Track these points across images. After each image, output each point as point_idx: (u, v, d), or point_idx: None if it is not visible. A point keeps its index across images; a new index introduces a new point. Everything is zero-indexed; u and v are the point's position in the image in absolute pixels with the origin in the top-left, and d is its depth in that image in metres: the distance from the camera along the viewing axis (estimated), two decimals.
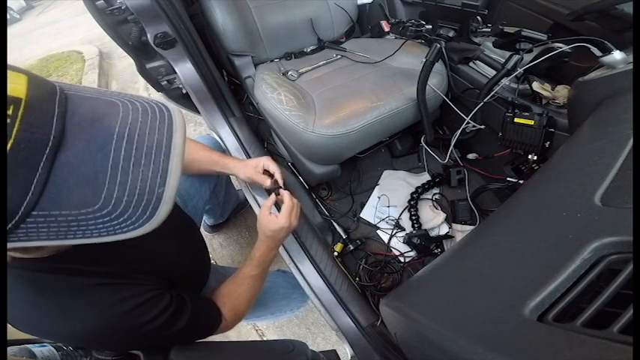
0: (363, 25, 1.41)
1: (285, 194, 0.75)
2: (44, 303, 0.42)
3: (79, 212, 0.26)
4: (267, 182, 0.81)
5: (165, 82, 1.07)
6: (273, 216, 0.71)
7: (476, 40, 1.00)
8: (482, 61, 0.92)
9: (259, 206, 0.92)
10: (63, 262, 0.43)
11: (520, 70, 0.80)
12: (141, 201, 0.27)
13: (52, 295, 0.42)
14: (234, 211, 1.45)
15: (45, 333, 0.44)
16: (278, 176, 0.81)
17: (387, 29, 1.23)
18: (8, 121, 0.22)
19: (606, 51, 0.64)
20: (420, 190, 1.11)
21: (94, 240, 0.28)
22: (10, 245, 0.26)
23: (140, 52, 1.02)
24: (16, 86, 0.23)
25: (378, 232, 1.08)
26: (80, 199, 0.26)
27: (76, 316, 0.43)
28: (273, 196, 0.78)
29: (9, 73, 0.24)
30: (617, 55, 0.63)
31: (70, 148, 0.25)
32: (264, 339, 1.25)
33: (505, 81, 0.85)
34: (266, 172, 0.83)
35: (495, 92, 0.86)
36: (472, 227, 1.02)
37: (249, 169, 0.82)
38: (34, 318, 0.42)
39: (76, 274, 0.44)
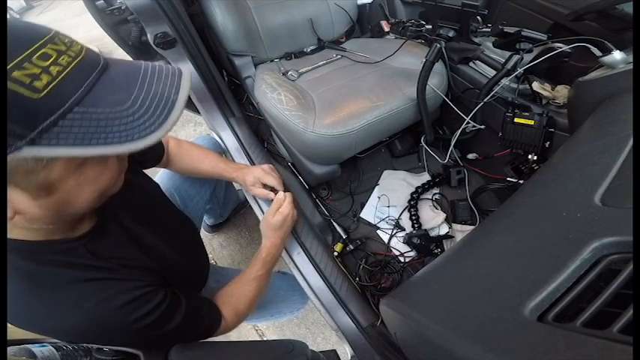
0: (363, 25, 1.41)
1: (279, 194, 0.81)
2: (37, 296, 0.42)
3: (111, 110, 0.34)
4: (271, 196, 0.82)
5: None
6: (273, 212, 0.77)
7: (476, 40, 1.00)
8: (482, 61, 0.92)
9: (259, 207, 0.92)
10: (59, 253, 0.43)
11: (520, 70, 0.80)
12: (159, 103, 0.36)
13: (45, 288, 0.42)
14: (234, 211, 1.44)
15: (36, 327, 0.44)
16: (278, 186, 0.83)
17: (387, 29, 1.23)
18: (79, 51, 0.35)
19: (606, 51, 0.64)
20: (420, 190, 1.11)
21: (112, 149, 0.34)
22: (35, 152, 0.30)
23: (140, 52, 1.02)
24: (80, 45, 0.36)
25: (378, 232, 1.08)
26: (115, 99, 0.35)
27: (69, 310, 0.43)
28: (275, 200, 0.79)
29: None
30: (617, 55, 0.63)
31: (112, 71, 0.37)
32: (264, 339, 1.25)
33: (505, 81, 0.85)
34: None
35: (495, 92, 0.86)
36: (472, 227, 1.02)
37: (251, 188, 0.84)
38: (27, 311, 0.42)
39: (71, 267, 0.44)
